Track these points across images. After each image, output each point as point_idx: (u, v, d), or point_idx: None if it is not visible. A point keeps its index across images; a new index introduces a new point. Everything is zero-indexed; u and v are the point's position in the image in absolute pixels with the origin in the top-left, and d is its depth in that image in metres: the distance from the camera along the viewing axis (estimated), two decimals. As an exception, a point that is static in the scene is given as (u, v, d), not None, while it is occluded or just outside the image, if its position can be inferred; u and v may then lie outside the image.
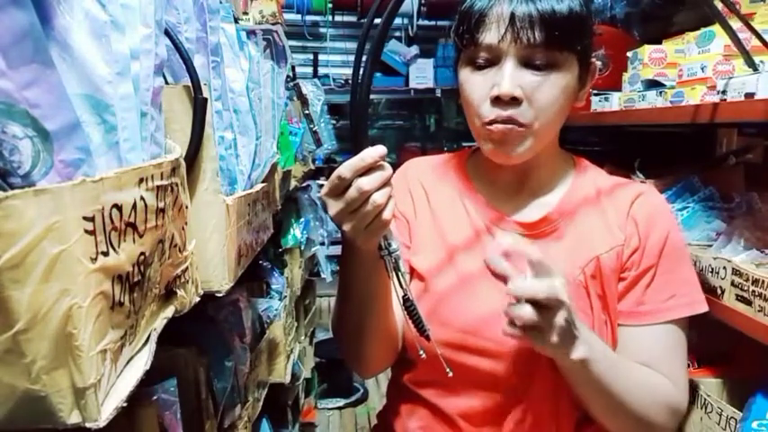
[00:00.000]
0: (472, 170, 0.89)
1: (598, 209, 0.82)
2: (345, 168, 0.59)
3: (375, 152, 0.59)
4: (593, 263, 0.77)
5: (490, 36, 0.71)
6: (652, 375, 0.76)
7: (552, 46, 0.70)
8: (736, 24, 0.90)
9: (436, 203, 0.86)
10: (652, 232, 0.79)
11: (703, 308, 0.79)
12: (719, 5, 0.92)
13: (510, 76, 0.70)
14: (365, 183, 0.58)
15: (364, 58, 0.62)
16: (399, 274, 0.65)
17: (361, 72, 0.62)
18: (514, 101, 0.71)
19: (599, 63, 0.80)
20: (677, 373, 0.77)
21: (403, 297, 0.66)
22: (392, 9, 0.60)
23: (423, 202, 0.87)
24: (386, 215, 0.61)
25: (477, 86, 0.74)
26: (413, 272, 0.84)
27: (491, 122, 0.73)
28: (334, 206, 0.62)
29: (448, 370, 0.67)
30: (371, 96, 0.66)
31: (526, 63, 0.71)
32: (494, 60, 0.73)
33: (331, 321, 0.86)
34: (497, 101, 0.72)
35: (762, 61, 0.91)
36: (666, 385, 0.76)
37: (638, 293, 0.78)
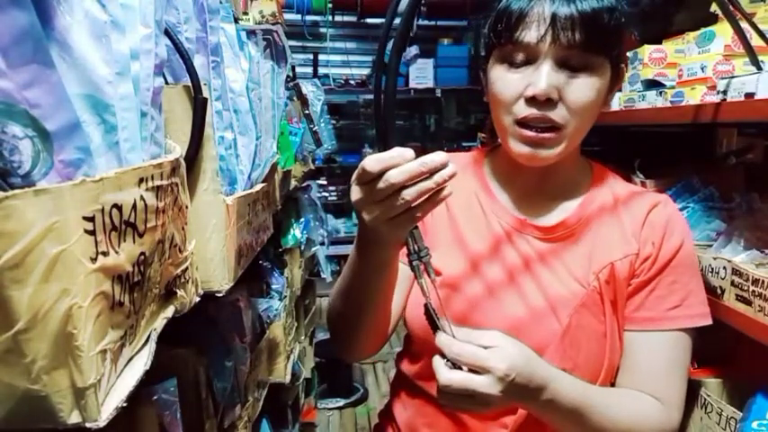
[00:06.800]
0: (489, 171, 0.88)
1: (614, 216, 0.81)
2: (373, 161, 0.56)
3: (407, 153, 0.57)
4: (607, 269, 0.77)
5: (529, 35, 0.70)
6: (639, 402, 0.75)
7: (590, 48, 0.70)
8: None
9: (453, 203, 0.85)
10: (666, 242, 0.78)
11: (706, 321, 0.79)
12: (713, 6, 0.92)
13: (547, 77, 0.70)
14: (395, 176, 0.56)
15: (387, 57, 0.61)
16: (430, 279, 0.64)
17: (383, 80, 0.60)
18: (549, 101, 0.71)
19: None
20: (671, 391, 0.77)
21: (425, 305, 0.66)
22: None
23: None
24: (417, 212, 0.58)
25: (511, 85, 0.73)
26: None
27: (524, 122, 0.73)
28: (358, 193, 0.60)
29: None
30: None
31: (563, 64, 0.71)
32: (530, 59, 0.72)
33: (327, 308, 0.84)
34: (532, 100, 0.71)
35: (762, 61, 0.90)
36: (654, 410, 0.75)
37: (641, 299, 0.78)
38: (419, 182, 0.57)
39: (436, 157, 0.56)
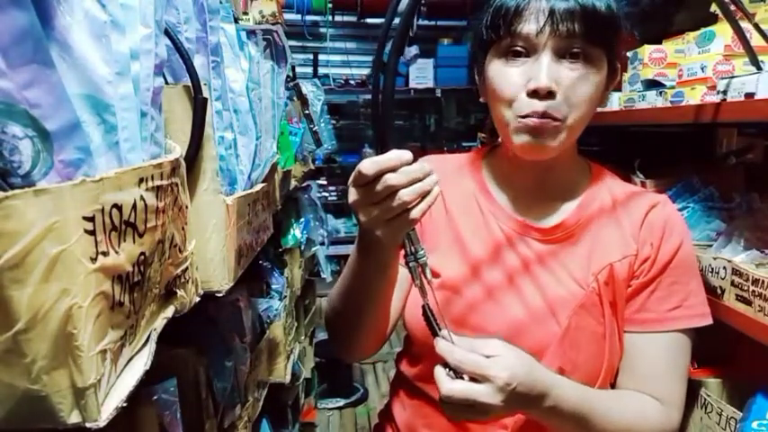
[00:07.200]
0: (488, 172, 0.88)
1: (613, 217, 0.81)
2: (369, 163, 0.57)
3: (404, 155, 0.57)
4: (606, 270, 0.77)
5: (528, 27, 0.71)
6: (639, 403, 0.76)
7: (589, 38, 0.70)
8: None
9: (451, 204, 0.85)
10: (665, 243, 0.78)
11: (706, 321, 0.79)
12: (713, 6, 0.92)
13: (547, 69, 0.70)
14: (392, 179, 0.57)
15: (385, 59, 0.61)
16: (426, 281, 0.65)
17: (382, 80, 0.61)
18: (550, 94, 0.71)
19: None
20: (671, 392, 0.78)
21: (422, 306, 0.66)
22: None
23: (438, 201, 0.87)
24: (414, 214, 0.59)
25: (511, 79, 0.73)
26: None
27: (526, 116, 0.73)
28: (355, 195, 0.61)
29: None
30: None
31: (562, 56, 0.71)
32: (529, 52, 0.72)
33: (326, 308, 0.85)
34: (534, 94, 0.71)
35: (762, 61, 0.90)
36: (654, 410, 0.76)
37: (642, 300, 0.78)
38: (415, 184, 0.58)
39: (420, 166, 0.58)
